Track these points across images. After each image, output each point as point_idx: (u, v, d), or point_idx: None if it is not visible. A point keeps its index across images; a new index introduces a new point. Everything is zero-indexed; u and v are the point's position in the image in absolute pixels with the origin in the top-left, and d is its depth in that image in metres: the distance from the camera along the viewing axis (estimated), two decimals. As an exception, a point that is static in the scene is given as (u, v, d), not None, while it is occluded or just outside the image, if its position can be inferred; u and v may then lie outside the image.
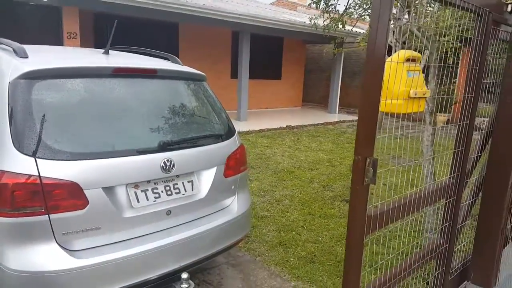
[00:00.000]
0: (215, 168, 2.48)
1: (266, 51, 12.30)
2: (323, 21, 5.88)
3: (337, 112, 12.90)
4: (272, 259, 3.29)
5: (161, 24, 9.38)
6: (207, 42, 10.94)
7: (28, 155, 1.83)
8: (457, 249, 2.97)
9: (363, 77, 1.52)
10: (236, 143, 2.72)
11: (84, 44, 7.66)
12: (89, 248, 1.95)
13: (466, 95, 2.20)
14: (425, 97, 1.84)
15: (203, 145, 2.46)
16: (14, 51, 2.20)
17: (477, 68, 2.19)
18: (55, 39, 7.30)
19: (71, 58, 2.53)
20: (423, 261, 2.28)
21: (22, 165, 1.82)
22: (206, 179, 2.44)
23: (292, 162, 6.51)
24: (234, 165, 2.62)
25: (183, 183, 2.32)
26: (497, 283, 2.66)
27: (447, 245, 2.45)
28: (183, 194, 2.31)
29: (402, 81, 1.66)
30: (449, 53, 3.80)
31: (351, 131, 9.77)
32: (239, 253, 3.38)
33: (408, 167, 5.29)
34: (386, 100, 1.54)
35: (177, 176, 2.29)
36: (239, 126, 9.06)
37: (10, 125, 1.88)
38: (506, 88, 2.39)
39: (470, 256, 2.74)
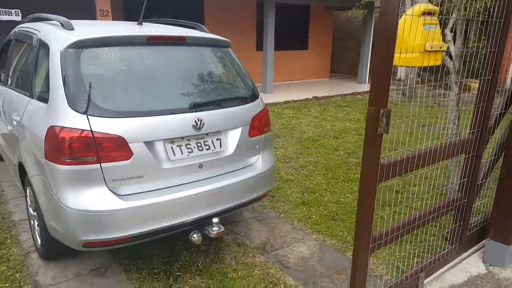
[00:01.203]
0: (241, 128, 2.71)
1: (292, 21, 12.18)
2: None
3: (367, 82, 12.65)
4: (296, 216, 3.54)
5: (187, -2, 9.52)
6: (232, 15, 10.99)
7: (81, 113, 2.13)
8: (478, 206, 3.08)
9: (377, 30, 1.64)
10: (260, 106, 2.92)
11: (115, 20, 7.97)
12: (134, 194, 2.26)
13: (488, 49, 2.23)
14: (442, 51, 1.93)
15: (229, 106, 2.69)
16: (62, 24, 2.49)
17: (501, 20, 2.20)
18: (89, 16, 7.64)
19: (110, 29, 2.79)
20: (439, 213, 2.42)
21: (77, 121, 2.12)
22: (233, 138, 2.68)
23: (318, 131, 6.65)
24: (258, 126, 2.83)
25: (212, 140, 2.57)
26: None
27: (465, 200, 2.56)
28: (212, 150, 2.56)
29: (418, 34, 1.75)
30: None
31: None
32: (264, 210, 3.65)
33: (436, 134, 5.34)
34: (400, 53, 1.66)
35: (207, 134, 2.54)
36: (266, 98, 9.17)
37: (64, 88, 2.18)
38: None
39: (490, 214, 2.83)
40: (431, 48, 1.81)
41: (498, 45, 2.17)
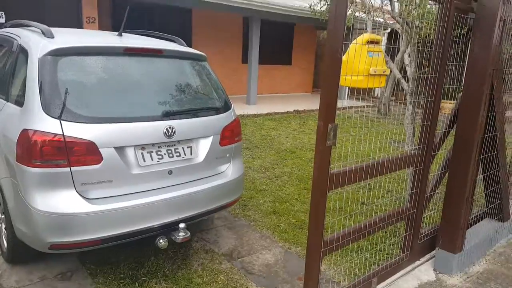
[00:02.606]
0: (212, 137, 2.85)
1: (277, 37, 12.52)
2: (320, 7, 6.15)
3: (346, 98, 13.03)
4: (265, 224, 3.68)
5: (175, 10, 9.70)
6: (219, 28, 11.24)
7: (54, 118, 2.24)
8: (430, 216, 3.30)
9: (325, 55, 1.84)
10: (232, 116, 3.07)
11: (102, 28, 8.09)
12: (103, 198, 2.36)
13: (430, 75, 2.49)
14: (385, 75, 2.14)
15: (201, 116, 2.83)
16: (42, 32, 2.60)
17: (441, 50, 2.48)
18: (75, 23, 7.73)
19: (90, 38, 2.92)
20: (390, 221, 2.61)
21: (50, 125, 2.22)
22: (204, 146, 2.82)
23: (295, 143, 6.84)
24: (229, 135, 2.98)
25: (183, 148, 2.70)
26: (463, 249, 2.96)
27: (415, 210, 2.77)
28: (183, 158, 2.69)
29: (362, 60, 1.96)
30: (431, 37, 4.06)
31: (357, 116, 10.00)
32: (235, 218, 3.78)
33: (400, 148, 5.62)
34: (346, 75, 1.85)
35: (178, 141, 2.67)
36: (248, 110, 9.41)
37: (40, 93, 2.29)
38: (470, 69, 2.66)
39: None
40: (375, 72, 2.02)
41: (438, 71, 2.41)
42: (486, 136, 2.83)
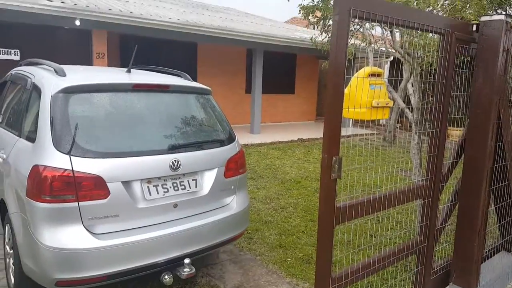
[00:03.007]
0: (217, 169, 2.87)
1: (280, 67, 12.76)
2: (321, 40, 6.33)
3: (351, 126, 13.06)
4: (271, 258, 3.61)
5: (181, 44, 10.00)
6: (223, 60, 11.51)
7: (65, 153, 2.28)
8: (442, 249, 3.20)
9: (328, 88, 1.87)
10: (236, 148, 3.10)
11: (111, 62, 8.33)
12: (109, 232, 2.36)
13: (435, 105, 2.49)
14: (388, 107, 2.17)
15: (206, 148, 2.86)
16: (55, 70, 2.70)
17: (444, 81, 2.49)
18: (86, 58, 7.98)
19: (100, 76, 3.01)
20: (400, 256, 2.54)
21: (60, 161, 2.26)
22: (209, 178, 2.83)
23: (300, 173, 6.82)
24: (234, 167, 3.00)
25: (188, 180, 2.71)
26: (478, 285, 2.85)
27: (425, 244, 2.69)
28: (188, 190, 2.70)
29: (364, 93, 2.00)
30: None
31: (362, 145, 10.00)
32: (241, 252, 3.71)
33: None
34: (349, 108, 1.88)
35: (183, 174, 2.69)
36: (252, 139, 9.47)
37: (51, 129, 2.34)
38: (474, 100, 2.66)
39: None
40: (377, 104, 2.05)
41: (443, 102, 2.43)
42: (496, 166, 2.80)
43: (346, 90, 1.99)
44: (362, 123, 14.47)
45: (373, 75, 2.08)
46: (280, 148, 8.91)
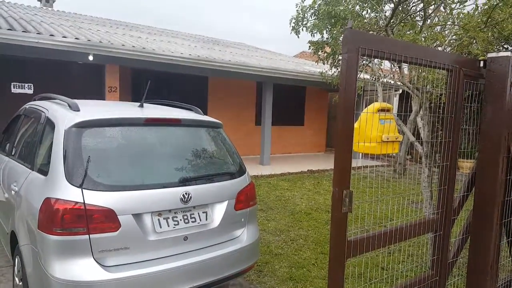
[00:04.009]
0: (227, 201, 2.88)
1: (289, 99, 12.96)
2: (331, 74, 6.46)
3: (361, 157, 13.02)
4: (282, 292, 3.54)
5: (192, 78, 10.29)
6: (234, 93, 11.76)
7: (76, 186, 2.32)
8: (455, 283, 3.11)
9: (338, 123, 1.91)
10: (247, 180, 3.12)
11: (122, 95, 8.57)
12: (119, 265, 2.36)
13: (444, 139, 2.52)
14: (398, 141, 2.19)
15: (216, 181, 2.89)
16: (69, 105, 2.79)
17: (453, 116, 2.52)
18: (98, 92, 8.24)
19: (113, 110, 3.10)
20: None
21: (72, 194, 2.30)
22: (219, 211, 2.84)
23: (310, 204, 6.76)
24: (244, 200, 3.01)
25: (198, 213, 2.72)
26: None
27: (438, 277, 2.63)
28: (198, 223, 2.70)
29: (374, 128, 2.03)
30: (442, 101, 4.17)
31: (373, 176, 9.91)
32: (251, 286, 3.64)
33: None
34: (359, 142, 1.91)
35: (194, 207, 2.70)
36: (262, 170, 9.48)
37: (64, 163, 2.40)
38: (483, 134, 2.68)
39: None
40: (387, 139, 2.07)
41: (452, 136, 2.44)
42: (507, 200, 2.77)
43: (356, 125, 2.03)
44: (373, 155, 14.44)
45: (382, 110, 2.12)
46: (290, 180, 8.88)
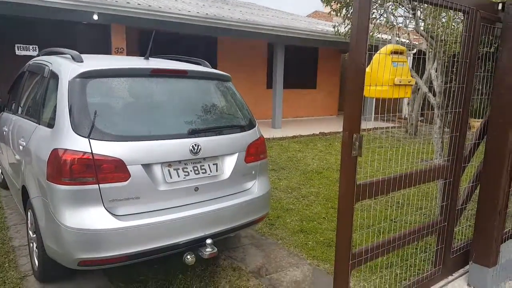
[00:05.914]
0: (237, 154, 2.87)
1: (301, 61, 12.65)
2: (344, 27, 6.20)
3: (372, 119, 12.86)
4: (292, 242, 3.60)
5: (200, 38, 10.07)
6: (244, 54, 11.52)
7: (84, 137, 2.32)
8: (462, 229, 3.13)
9: (349, 65, 1.84)
10: (257, 134, 3.09)
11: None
12: (130, 214, 2.39)
13: (457, 85, 2.43)
14: (410, 85, 2.11)
15: (226, 133, 2.86)
16: (72, 57, 2.75)
17: (468, 60, 2.42)
18: (104, 53, 8.14)
19: (117, 62, 3.05)
20: (420, 235, 2.50)
21: (79, 144, 2.30)
22: (229, 163, 2.84)
23: (322, 164, 6.76)
24: (254, 152, 2.99)
25: (209, 165, 2.73)
26: (498, 263, 2.78)
27: (446, 223, 2.64)
28: (208, 174, 2.71)
29: (386, 70, 1.94)
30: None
31: (384, 138, 9.80)
32: (262, 237, 3.72)
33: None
34: (370, 86, 1.83)
35: (204, 158, 2.70)
36: (274, 133, 9.44)
37: (70, 114, 2.39)
38: (498, 79, 2.57)
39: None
40: (400, 82, 1.98)
41: (466, 81, 2.35)
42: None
43: (367, 69, 1.95)
44: (383, 117, 14.20)
45: (395, 52, 2.02)
46: (301, 142, 8.85)
